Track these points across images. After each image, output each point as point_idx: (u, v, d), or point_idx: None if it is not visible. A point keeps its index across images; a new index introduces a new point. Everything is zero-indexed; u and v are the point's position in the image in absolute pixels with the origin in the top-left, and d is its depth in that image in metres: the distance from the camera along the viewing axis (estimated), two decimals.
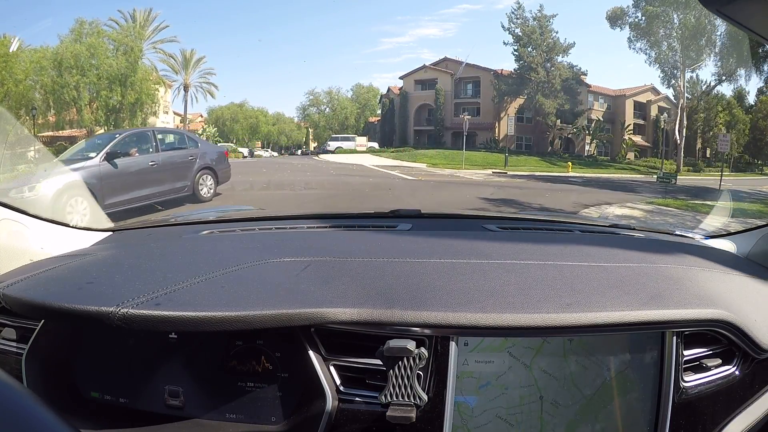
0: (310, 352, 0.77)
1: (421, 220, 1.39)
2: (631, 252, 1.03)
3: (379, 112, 31.77)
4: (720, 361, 0.85)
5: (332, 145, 27.37)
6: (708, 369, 0.83)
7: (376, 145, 28.33)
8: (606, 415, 0.79)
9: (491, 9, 36.03)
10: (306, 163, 19.19)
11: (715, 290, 0.87)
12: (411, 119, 29.13)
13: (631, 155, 26.22)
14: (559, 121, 25.99)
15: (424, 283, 0.81)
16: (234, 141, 28.95)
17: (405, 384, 0.71)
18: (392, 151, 25.25)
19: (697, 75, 23.25)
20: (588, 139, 26.82)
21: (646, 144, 26.82)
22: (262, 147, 30.73)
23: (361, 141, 28.20)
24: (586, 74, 26.37)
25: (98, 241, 1.21)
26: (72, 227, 1.19)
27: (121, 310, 0.69)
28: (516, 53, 26.10)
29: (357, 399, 0.76)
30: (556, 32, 25.76)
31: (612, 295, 0.80)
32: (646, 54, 23.34)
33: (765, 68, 19.87)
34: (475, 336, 0.77)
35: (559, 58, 25.87)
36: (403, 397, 0.71)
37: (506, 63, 27.89)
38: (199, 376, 0.84)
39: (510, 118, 26.08)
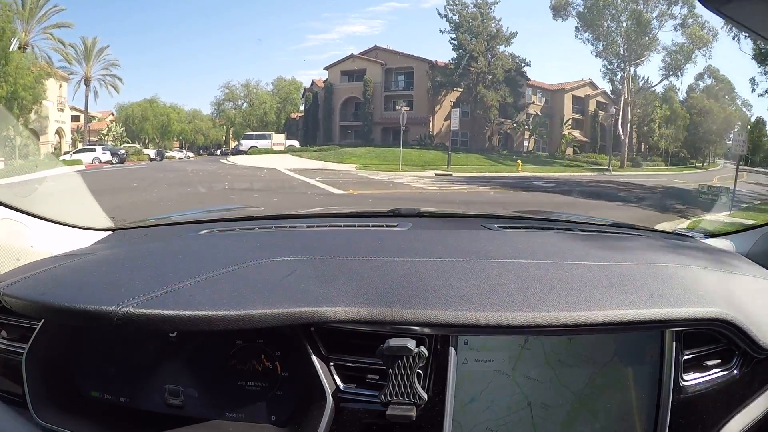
0: (310, 351, 0.77)
1: (420, 219, 1.41)
2: (630, 251, 1.03)
3: (302, 107, 28.31)
4: (720, 360, 0.85)
5: (246, 144, 23.93)
6: (708, 368, 0.83)
7: (296, 143, 24.94)
8: (606, 413, 0.80)
9: (418, 7, 35.36)
10: (201, 170, 14.71)
11: (714, 289, 0.87)
12: (337, 114, 26.12)
13: (570, 150, 25.29)
14: (498, 115, 24.15)
15: (423, 282, 0.81)
16: (146, 141, 25.08)
17: (405, 383, 0.72)
18: (315, 151, 22.17)
19: (636, 70, 23.10)
20: (527, 134, 25.42)
21: (585, 139, 26.04)
22: (180, 147, 27.16)
23: (279, 139, 24.58)
24: (530, 65, 24.71)
25: (98, 240, 1.22)
26: (72, 227, 1.19)
27: (121, 310, 0.69)
28: (454, 41, 23.72)
29: (357, 398, 0.76)
30: (499, 19, 23.58)
31: (611, 294, 0.80)
32: (592, 45, 22.62)
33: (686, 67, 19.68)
34: (474, 335, 0.77)
35: (502, 48, 23.80)
36: (403, 396, 0.72)
37: (440, 57, 25.40)
38: (199, 375, 0.84)
39: (455, 112, 23.42)
